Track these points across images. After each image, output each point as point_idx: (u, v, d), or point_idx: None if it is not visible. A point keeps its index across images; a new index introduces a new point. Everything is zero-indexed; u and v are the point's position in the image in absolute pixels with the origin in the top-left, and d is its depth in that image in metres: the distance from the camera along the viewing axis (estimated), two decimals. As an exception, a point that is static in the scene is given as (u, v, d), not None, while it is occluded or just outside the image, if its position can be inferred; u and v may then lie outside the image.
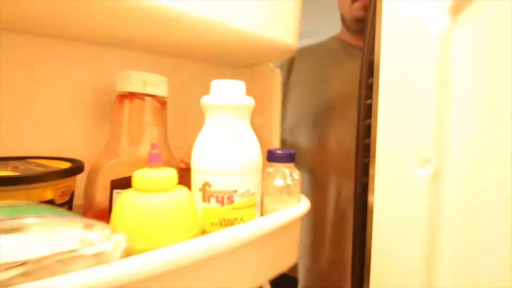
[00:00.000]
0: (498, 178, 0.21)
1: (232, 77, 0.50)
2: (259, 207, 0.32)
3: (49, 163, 0.29)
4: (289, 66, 0.74)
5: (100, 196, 0.29)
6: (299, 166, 0.65)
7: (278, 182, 0.37)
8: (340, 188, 0.65)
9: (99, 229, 0.22)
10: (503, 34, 0.20)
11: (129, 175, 0.30)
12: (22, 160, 0.29)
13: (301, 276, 0.71)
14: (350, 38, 0.72)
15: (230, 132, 0.30)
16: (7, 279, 0.18)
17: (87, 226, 0.22)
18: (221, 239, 0.27)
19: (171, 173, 0.27)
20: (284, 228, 0.34)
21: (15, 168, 0.26)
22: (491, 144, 0.21)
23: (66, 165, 0.28)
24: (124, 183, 0.30)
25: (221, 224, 0.30)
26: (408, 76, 0.24)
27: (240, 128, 0.31)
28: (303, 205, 0.37)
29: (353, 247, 0.33)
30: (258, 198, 0.32)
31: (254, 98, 0.32)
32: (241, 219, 0.30)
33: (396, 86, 0.24)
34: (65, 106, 0.34)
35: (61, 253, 0.20)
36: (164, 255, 0.23)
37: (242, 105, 0.31)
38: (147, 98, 0.31)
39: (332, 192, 0.66)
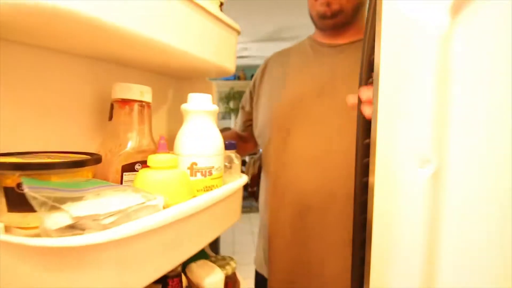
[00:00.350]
0: (498, 178, 0.21)
1: (175, 86, 0.62)
2: (222, 178, 0.48)
3: (66, 155, 0.35)
4: (262, 70, 0.76)
5: (113, 178, 0.38)
6: (265, 170, 0.72)
7: (227, 162, 0.53)
8: (300, 188, 0.64)
9: (144, 192, 0.33)
10: (503, 34, 0.20)
11: (134, 161, 0.40)
12: (40, 154, 0.34)
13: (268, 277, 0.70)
14: (318, 37, 0.71)
15: (206, 128, 0.45)
16: (108, 223, 0.28)
17: (135, 190, 0.33)
18: (206, 198, 0.41)
19: (174, 157, 0.39)
20: (235, 192, 0.51)
21: (49, 158, 0.32)
22: (491, 144, 0.21)
23: (82, 156, 0.35)
24: (130, 167, 0.39)
25: (204, 190, 0.44)
26: (408, 76, 0.24)
27: (211, 126, 0.46)
28: (244, 178, 0.55)
29: (353, 247, 0.33)
30: (222, 172, 0.47)
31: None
32: (216, 185, 0.45)
33: (396, 86, 0.24)
34: (60, 110, 0.39)
35: (137, 204, 0.30)
36: (186, 206, 0.36)
37: (212, 110, 0.46)
38: (143, 103, 0.41)
39: (291, 193, 0.65)
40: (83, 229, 0.27)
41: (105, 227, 0.28)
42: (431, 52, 0.22)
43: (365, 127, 0.32)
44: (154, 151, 0.43)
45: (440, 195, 0.23)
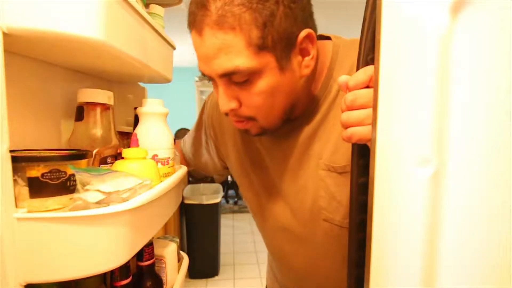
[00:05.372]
0: (498, 178, 0.21)
1: (107, 88, 0.67)
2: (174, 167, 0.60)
3: (59, 151, 0.40)
4: (212, 124, 0.71)
5: (94, 169, 0.44)
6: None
7: (171, 156, 0.65)
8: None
9: (132, 176, 0.43)
10: (504, 34, 0.20)
11: (106, 155, 0.48)
12: (38, 151, 0.38)
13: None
14: None
15: (162, 126, 0.55)
16: (125, 197, 0.37)
17: (126, 175, 0.42)
18: (171, 181, 0.53)
19: (144, 150, 0.49)
20: (183, 177, 0.63)
21: (50, 153, 0.37)
22: (492, 144, 0.21)
23: (81, 150, 0.41)
24: (105, 160, 0.47)
25: (164, 176, 0.54)
26: (408, 76, 0.24)
27: (164, 124, 0.57)
28: (184, 168, 0.67)
29: (349, 248, 0.33)
30: (174, 162, 0.59)
31: (125, 106, 0.57)
32: (172, 172, 0.56)
33: (396, 86, 0.24)
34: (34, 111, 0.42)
35: (139, 184, 0.40)
36: (162, 186, 0.47)
37: (164, 112, 0.57)
38: (110, 106, 0.48)
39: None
40: (106, 203, 0.36)
41: (123, 200, 0.37)
42: (431, 52, 0.22)
43: None
44: (119, 146, 0.51)
45: (440, 195, 0.23)
